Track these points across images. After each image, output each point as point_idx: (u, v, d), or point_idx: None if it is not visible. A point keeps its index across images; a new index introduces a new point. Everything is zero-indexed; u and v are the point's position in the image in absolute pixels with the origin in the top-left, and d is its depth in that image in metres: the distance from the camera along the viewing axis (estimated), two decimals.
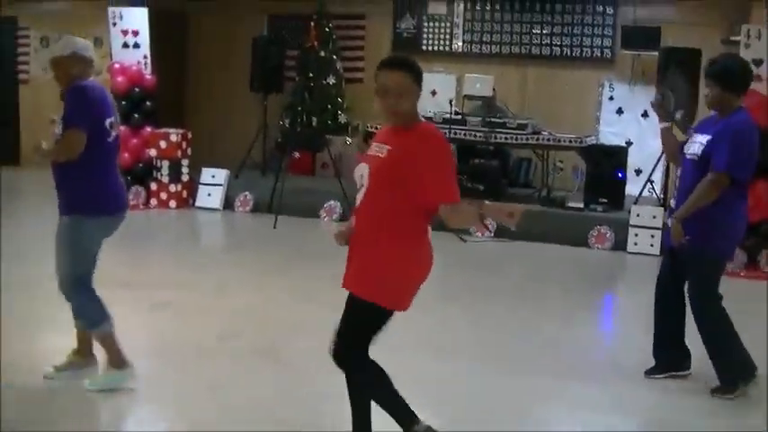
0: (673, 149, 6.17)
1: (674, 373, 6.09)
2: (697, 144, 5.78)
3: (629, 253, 10.91)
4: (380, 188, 4.08)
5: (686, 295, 5.96)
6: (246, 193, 13.08)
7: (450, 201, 4.02)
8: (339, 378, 5.76)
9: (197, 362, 5.94)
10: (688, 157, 5.85)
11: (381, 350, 5.73)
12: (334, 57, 14.92)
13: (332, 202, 12.62)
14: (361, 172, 4.16)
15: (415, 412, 4.29)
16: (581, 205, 11.71)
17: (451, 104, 12.41)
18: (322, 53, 14.61)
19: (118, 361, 5.44)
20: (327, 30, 14.80)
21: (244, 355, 6.21)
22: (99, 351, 5.51)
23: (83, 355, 5.65)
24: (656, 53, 12.24)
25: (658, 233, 10.79)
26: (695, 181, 5.69)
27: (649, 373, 6.12)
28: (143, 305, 7.05)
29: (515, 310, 7.91)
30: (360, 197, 4.17)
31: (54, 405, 5.19)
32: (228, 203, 12.98)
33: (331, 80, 14.79)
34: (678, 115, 6.01)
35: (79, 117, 5.23)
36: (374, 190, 4.10)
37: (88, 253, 5.38)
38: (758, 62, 10.40)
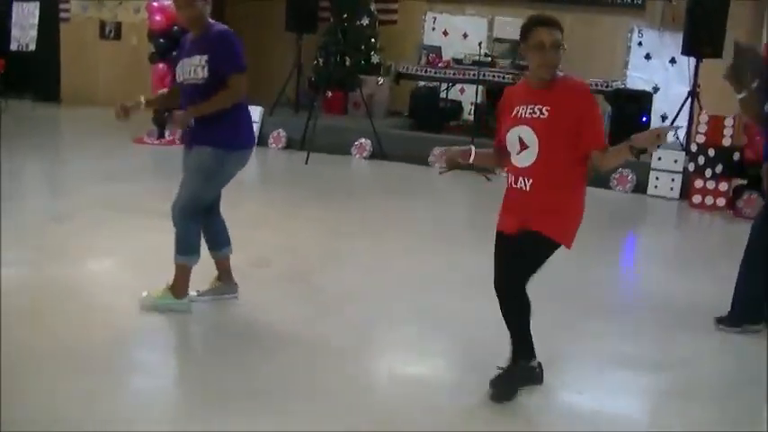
0: (756, 116, 6.13)
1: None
2: None
3: (650, 195, 11.18)
4: (555, 147, 4.42)
5: None
6: (280, 129, 13.43)
7: (603, 147, 4.44)
8: (365, 304, 6.18)
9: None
10: None
11: (421, 285, 6.15)
12: None
13: (363, 139, 12.95)
14: (519, 134, 4.47)
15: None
16: None
17: (480, 47, 12.62)
18: None
19: (180, 292, 5.76)
20: None
21: (276, 281, 6.57)
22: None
23: (223, 279, 6.02)
24: None
25: (678, 177, 11.08)
26: None
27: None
28: None
29: None
30: (528, 157, 4.45)
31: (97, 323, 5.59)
32: (262, 140, 13.29)
33: (365, 21, 15.02)
34: (754, 84, 5.99)
35: (240, 62, 5.59)
36: (548, 149, 4.42)
37: (220, 184, 5.70)
38: None
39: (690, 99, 11.82)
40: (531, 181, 4.47)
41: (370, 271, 7.04)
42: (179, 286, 5.74)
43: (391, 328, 5.79)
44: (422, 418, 4.45)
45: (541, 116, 4.42)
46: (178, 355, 5.34)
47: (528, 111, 4.47)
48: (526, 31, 4.44)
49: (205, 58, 5.49)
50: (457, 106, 14.36)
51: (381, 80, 14.81)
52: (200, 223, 5.71)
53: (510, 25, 13.41)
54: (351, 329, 5.67)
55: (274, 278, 6.68)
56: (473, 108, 13.75)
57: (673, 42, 13.15)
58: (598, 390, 4.98)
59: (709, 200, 10.72)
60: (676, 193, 11.12)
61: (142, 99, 5.82)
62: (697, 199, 10.80)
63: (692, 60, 11.94)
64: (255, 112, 13.34)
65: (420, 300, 6.30)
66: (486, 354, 5.09)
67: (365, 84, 14.30)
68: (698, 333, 6.04)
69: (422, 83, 14.08)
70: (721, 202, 10.68)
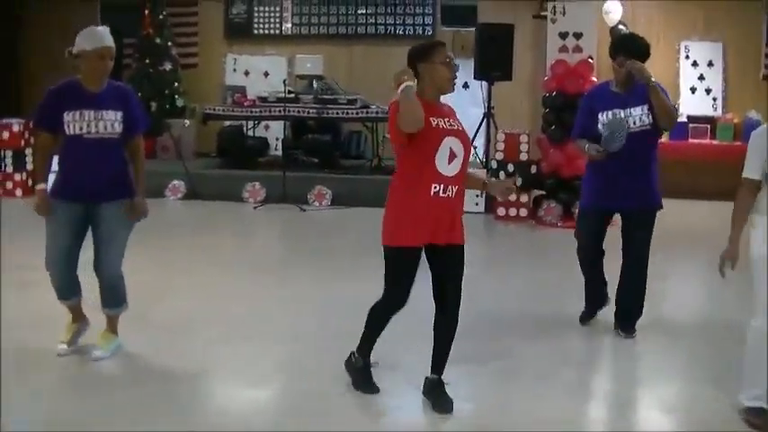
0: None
1: (598, 311, 6.70)
2: (637, 117, 6.11)
3: None
4: (468, 156, 4.82)
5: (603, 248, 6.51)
6: None
7: None
8: (201, 331, 6.36)
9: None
10: (634, 131, 6.09)
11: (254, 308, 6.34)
12: (169, 43, 15.37)
13: (176, 181, 13.04)
14: (450, 144, 4.69)
15: None
16: None
17: (285, 84, 13.02)
18: (157, 40, 15.08)
19: (116, 330, 5.90)
20: (161, 17, 15.27)
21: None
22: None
23: (79, 320, 5.95)
24: (473, 29, 13.15)
25: (482, 192, 11.70)
26: (650, 145, 6.19)
27: (583, 320, 6.71)
28: (18, 284, 7.44)
29: (356, 264, 8.64)
30: (456, 167, 4.72)
31: None
32: None
33: (167, 66, 15.20)
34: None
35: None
36: (466, 160, 4.79)
37: None
38: (578, 35, 11.47)
39: (485, 120, 12.54)
40: (456, 188, 4.75)
41: (205, 302, 7.27)
42: (115, 326, 5.90)
43: (230, 352, 5.97)
44: None
45: (459, 128, 4.77)
46: (31, 401, 5.21)
47: (446, 123, 4.72)
48: (429, 50, 4.79)
49: (120, 113, 5.56)
50: (264, 142, 14.66)
51: (187, 122, 14.99)
52: None
53: (310, 62, 13.82)
54: (188, 356, 5.86)
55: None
56: (279, 143, 14.09)
57: (463, 69, 13.80)
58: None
59: (512, 211, 11.49)
60: (482, 208, 11.85)
61: (42, 186, 5.76)
62: (501, 211, 11.56)
63: (485, 84, 12.67)
64: None
65: (255, 323, 6.66)
66: (316, 365, 5.59)
67: (172, 127, 14.41)
68: (516, 324, 6.66)
69: (227, 123, 14.27)
70: (524, 212, 11.46)
